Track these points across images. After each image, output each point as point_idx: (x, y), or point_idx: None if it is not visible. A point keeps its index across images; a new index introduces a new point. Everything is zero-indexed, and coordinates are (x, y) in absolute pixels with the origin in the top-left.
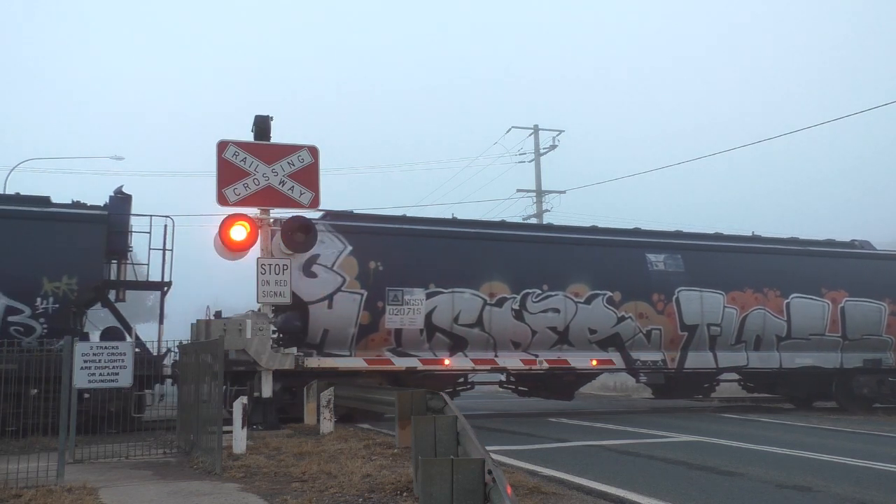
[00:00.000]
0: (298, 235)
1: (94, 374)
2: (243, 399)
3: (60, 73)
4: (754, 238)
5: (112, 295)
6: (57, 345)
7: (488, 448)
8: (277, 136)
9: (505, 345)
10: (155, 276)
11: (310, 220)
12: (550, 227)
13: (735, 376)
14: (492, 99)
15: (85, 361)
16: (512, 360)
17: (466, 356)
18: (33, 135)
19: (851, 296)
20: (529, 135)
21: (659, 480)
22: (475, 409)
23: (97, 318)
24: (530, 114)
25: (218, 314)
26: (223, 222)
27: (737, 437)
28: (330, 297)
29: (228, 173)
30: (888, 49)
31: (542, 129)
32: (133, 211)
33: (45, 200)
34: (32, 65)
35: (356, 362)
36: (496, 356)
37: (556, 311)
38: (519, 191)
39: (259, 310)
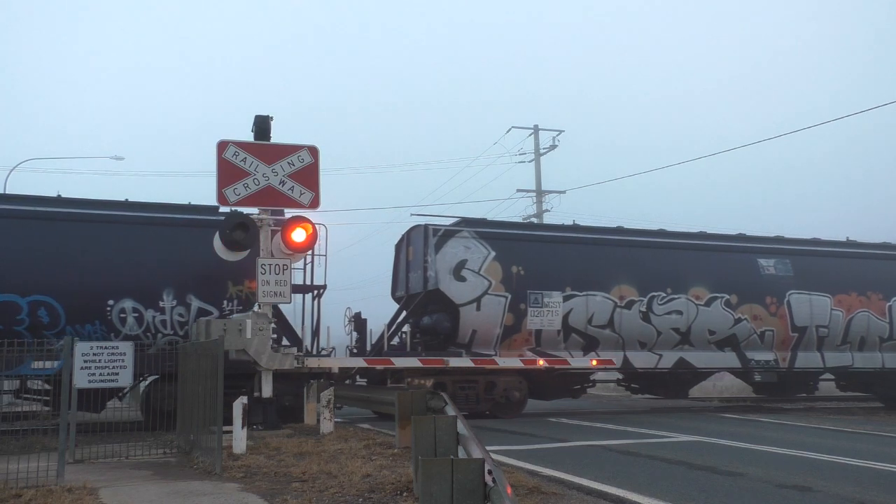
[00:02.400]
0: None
1: (94, 374)
2: (243, 399)
3: (60, 73)
4: (854, 243)
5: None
6: (57, 344)
7: (488, 448)
8: (277, 136)
9: (632, 345)
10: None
11: (309, 219)
12: (670, 234)
13: (830, 375)
14: (492, 99)
15: (85, 361)
16: (512, 361)
17: (470, 357)
18: (33, 135)
19: None
20: (529, 135)
21: (659, 480)
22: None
23: None
24: (530, 114)
25: (357, 315)
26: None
27: (737, 437)
28: (478, 300)
29: (228, 173)
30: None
31: (542, 129)
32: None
33: (214, 209)
34: (33, 65)
35: (356, 362)
36: (496, 356)
37: (679, 313)
38: (519, 191)
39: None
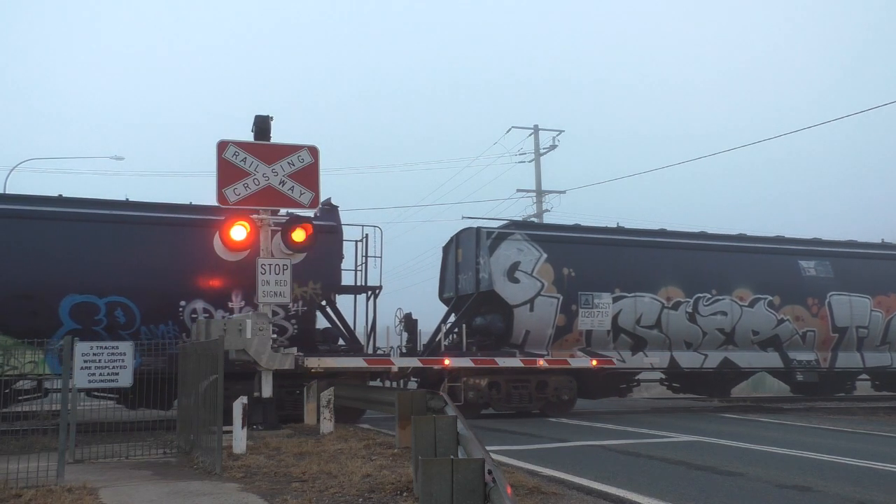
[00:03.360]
0: (298, 234)
1: (94, 374)
2: (243, 399)
3: (60, 73)
4: (891, 245)
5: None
6: (57, 344)
7: (488, 448)
8: (278, 136)
9: (679, 345)
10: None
11: (310, 219)
12: (713, 236)
13: (865, 375)
14: (492, 99)
15: (85, 361)
16: (512, 361)
17: (467, 357)
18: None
19: None
20: (529, 135)
21: (659, 480)
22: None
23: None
24: (530, 114)
25: (408, 316)
26: (223, 223)
27: (737, 437)
28: (531, 301)
29: (228, 173)
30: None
31: (542, 129)
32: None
33: (274, 213)
34: (32, 65)
35: (357, 362)
36: (496, 357)
37: (724, 313)
38: (519, 191)
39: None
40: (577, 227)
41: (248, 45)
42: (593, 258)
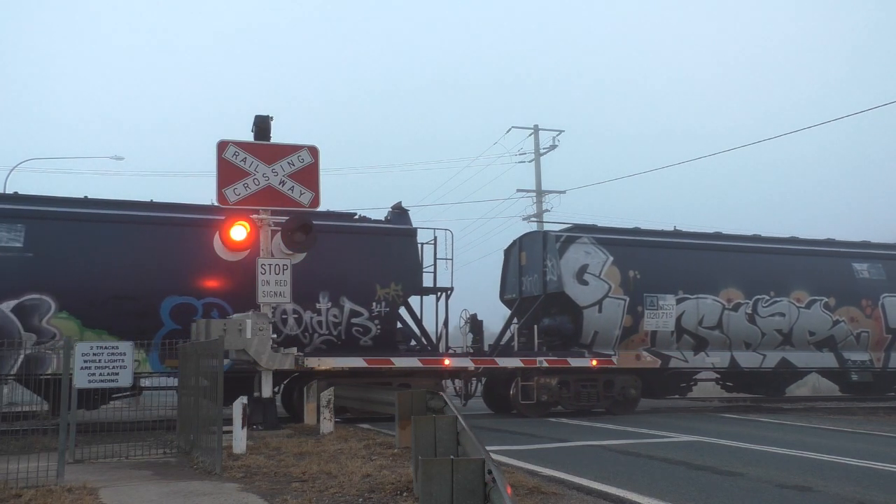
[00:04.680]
0: (298, 235)
1: (94, 374)
2: (243, 399)
3: (60, 74)
4: None
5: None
6: (57, 344)
7: (488, 448)
8: (278, 136)
9: (739, 345)
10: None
11: (310, 219)
12: (769, 239)
13: None
14: (492, 99)
15: (85, 361)
16: (512, 361)
17: (468, 357)
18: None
19: None
20: (529, 135)
21: (659, 480)
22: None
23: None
24: (530, 114)
25: (474, 317)
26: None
27: (737, 437)
28: (599, 303)
29: (228, 173)
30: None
31: (542, 129)
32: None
33: (350, 216)
34: (32, 65)
35: (357, 362)
36: (496, 357)
37: (782, 314)
38: (519, 191)
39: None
40: (637, 231)
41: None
42: (656, 260)
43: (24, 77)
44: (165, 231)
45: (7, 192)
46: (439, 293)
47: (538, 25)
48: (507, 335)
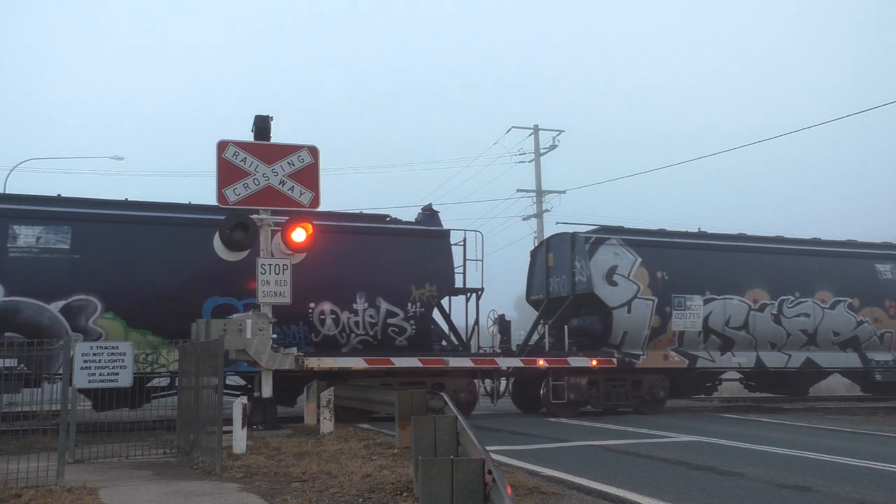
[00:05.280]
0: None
1: (94, 374)
2: (243, 399)
3: (60, 74)
4: None
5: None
6: (57, 344)
7: (488, 448)
8: (278, 136)
9: (764, 345)
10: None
11: (309, 219)
12: (794, 240)
13: None
14: (492, 99)
15: (85, 361)
16: (512, 361)
17: (466, 357)
18: (33, 135)
19: None
20: (529, 135)
21: (659, 480)
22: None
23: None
24: (530, 114)
25: (501, 317)
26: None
27: (737, 437)
28: (629, 303)
29: (228, 173)
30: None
31: (542, 129)
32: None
33: (382, 217)
34: (32, 65)
35: (357, 362)
36: (496, 358)
37: (807, 315)
38: (519, 191)
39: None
40: (664, 232)
41: (248, 45)
42: (684, 262)
43: (24, 77)
44: (208, 233)
45: (51, 194)
46: (469, 294)
47: (538, 26)
48: (535, 336)
